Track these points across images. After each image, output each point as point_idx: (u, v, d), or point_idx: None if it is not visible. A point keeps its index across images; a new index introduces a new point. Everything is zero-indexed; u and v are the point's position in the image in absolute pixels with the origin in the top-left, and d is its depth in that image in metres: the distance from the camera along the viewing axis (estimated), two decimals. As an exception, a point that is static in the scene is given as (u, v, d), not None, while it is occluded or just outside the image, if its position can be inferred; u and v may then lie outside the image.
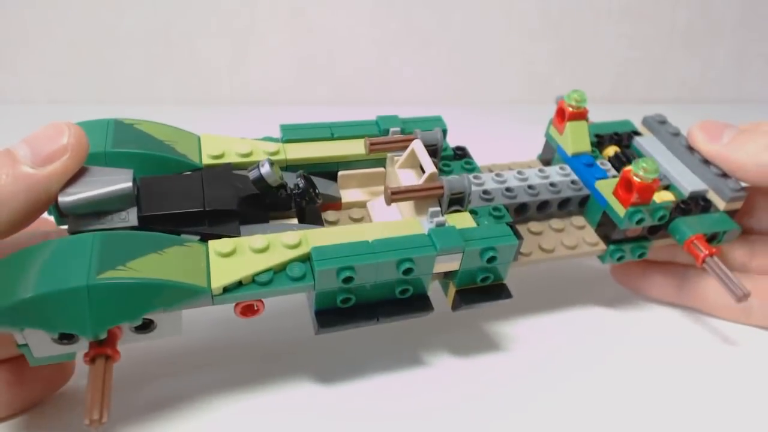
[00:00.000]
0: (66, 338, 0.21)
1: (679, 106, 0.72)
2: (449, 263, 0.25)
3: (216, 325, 0.29)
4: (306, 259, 0.24)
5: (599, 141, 0.34)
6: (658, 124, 0.34)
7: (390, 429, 0.25)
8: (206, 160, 0.27)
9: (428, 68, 0.69)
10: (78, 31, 0.63)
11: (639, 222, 0.28)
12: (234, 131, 0.59)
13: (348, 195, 0.30)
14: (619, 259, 0.30)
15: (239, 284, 0.22)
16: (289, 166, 0.28)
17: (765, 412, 0.27)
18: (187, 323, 0.23)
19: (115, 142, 0.25)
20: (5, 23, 0.62)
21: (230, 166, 0.27)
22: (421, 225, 0.26)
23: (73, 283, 0.19)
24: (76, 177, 0.22)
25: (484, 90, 0.71)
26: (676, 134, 0.33)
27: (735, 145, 0.31)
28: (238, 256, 0.23)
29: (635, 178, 0.27)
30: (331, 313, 0.25)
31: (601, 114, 0.67)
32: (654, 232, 0.31)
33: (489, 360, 0.29)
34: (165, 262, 0.21)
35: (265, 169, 0.25)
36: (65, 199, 0.22)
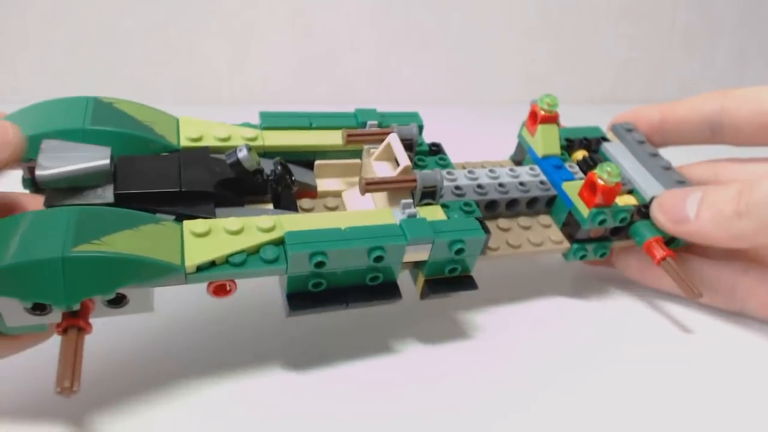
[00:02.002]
0: (39, 309, 0.21)
1: (679, 106, 0.72)
2: (419, 253, 0.26)
3: (188, 312, 0.30)
4: (280, 242, 0.24)
5: (569, 144, 0.36)
6: (625, 132, 0.35)
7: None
8: (184, 143, 0.27)
9: (428, 68, 0.69)
10: (78, 31, 0.63)
11: (601, 223, 0.30)
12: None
13: (324, 184, 0.30)
14: (582, 257, 0.32)
15: (213, 264, 0.23)
16: (266, 153, 0.28)
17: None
18: (159, 308, 0.24)
19: (94, 120, 0.25)
20: (5, 23, 0.62)
21: (208, 150, 0.27)
22: (393, 215, 0.26)
23: (48, 254, 0.19)
24: (54, 151, 0.23)
25: (484, 90, 0.71)
26: (642, 142, 0.35)
27: (705, 220, 0.28)
28: (212, 236, 0.23)
29: (599, 181, 0.28)
30: (302, 297, 0.25)
31: (601, 114, 0.67)
32: (616, 233, 0.32)
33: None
34: (140, 238, 0.21)
35: (242, 154, 0.25)
36: (43, 173, 0.22)
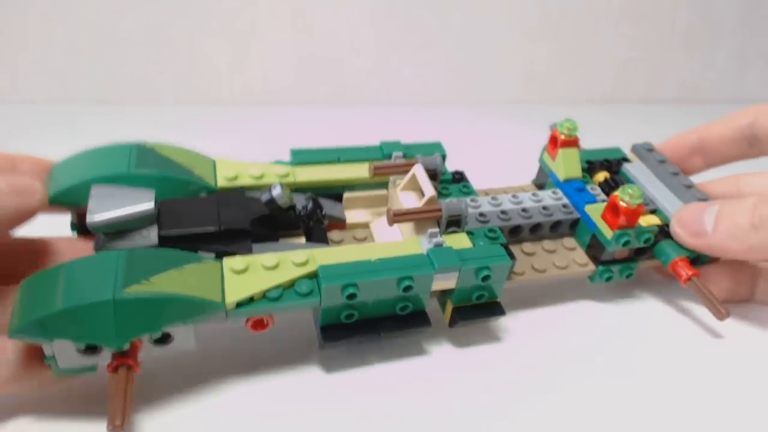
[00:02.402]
0: (90, 350, 0.22)
1: (679, 106, 0.72)
2: (446, 281, 0.27)
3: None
4: (313, 276, 0.25)
5: (590, 167, 0.36)
6: (646, 152, 0.36)
7: (390, 412, 0.26)
8: (221, 183, 0.29)
9: (428, 68, 0.69)
10: (78, 31, 0.63)
11: (625, 244, 0.30)
12: (234, 131, 0.59)
13: (352, 215, 0.32)
14: (608, 279, 0.32)
15: (251, 300, 0.24)
16: (298, 188, 0.30)
17: (755, 406, 0.27)
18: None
19: (138, 165, 0.27)
20: (5, 23, 0.62)
21: (243, 190, 0.28)
22: (421, 245, 0.27)
23: (100, 297, 0.21)
24: (102, 197, 0.25)
25: (484, 90, 0.71)
26: (663, 161, 0.35)
27: (722, 233, 0.29)
28: (250, 273, 0.24)
29: (622, 203, 0.29)
30: (335, 328, 0.26)
31: (601, 114, 0.68)
32: (641, 253, 0.32)
33: (484, 349, 0.30)
34: (184, 278, 0.23)
35: (276, 192, 0.27)
36: (93, 219, 0.24)
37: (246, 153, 0.54)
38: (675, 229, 0.31)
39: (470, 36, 0.68)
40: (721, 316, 0.29)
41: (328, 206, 0.30)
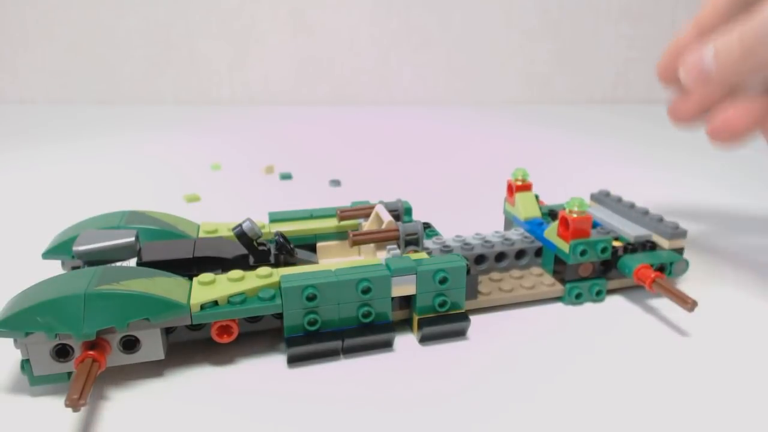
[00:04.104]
0: (62, 356, 0.24)
1: (679, 106, 0.72)
2: (406, 286, 0.28)
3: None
4: (277, 286, 0.27)
5: (552, 214, 0.39)
6: (604, 197, 0.39)
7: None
8: (202, 234, 0.33)
9: (428, 68, 0.69)
10: (78, 32, 0.63)
11: (583, 254, 0.32)
12: (234, 131, 0.59)
13: (325, 264, 0.34)
14: (578, 296, 0.33)
15: (215, 304, 0.26)
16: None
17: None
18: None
19: (128, 222, 0.31)
20: (5, 23, 0.62)
21: (221, 237, 0.32)
22: (381, 260, 0.29)
23: (73, 292, 0.23)
24: (90, 234, 0.28)
25: (484, 90, 0.71)
26: (619, 200, 0.38)
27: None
28: (216, 283, 0.27)
29: (571, 215, 0.31)
30: (300, 337, 0.27)
31: (601, 114, 0.68)
32: (606, 271, 0.34)
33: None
34: (152, 284, 0.25)
35: (246, 224, 0.29)
36: (78, 248, 0.27)
37: (246, 153, 0.54)
38: (682, 76, 0.30)
39: (470, 36, 0.68)
40: (688, 307, 0.29)
41: (303, 255, 0.33)
